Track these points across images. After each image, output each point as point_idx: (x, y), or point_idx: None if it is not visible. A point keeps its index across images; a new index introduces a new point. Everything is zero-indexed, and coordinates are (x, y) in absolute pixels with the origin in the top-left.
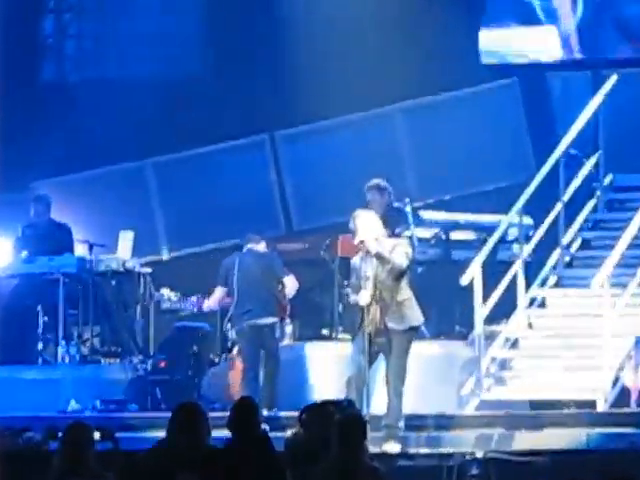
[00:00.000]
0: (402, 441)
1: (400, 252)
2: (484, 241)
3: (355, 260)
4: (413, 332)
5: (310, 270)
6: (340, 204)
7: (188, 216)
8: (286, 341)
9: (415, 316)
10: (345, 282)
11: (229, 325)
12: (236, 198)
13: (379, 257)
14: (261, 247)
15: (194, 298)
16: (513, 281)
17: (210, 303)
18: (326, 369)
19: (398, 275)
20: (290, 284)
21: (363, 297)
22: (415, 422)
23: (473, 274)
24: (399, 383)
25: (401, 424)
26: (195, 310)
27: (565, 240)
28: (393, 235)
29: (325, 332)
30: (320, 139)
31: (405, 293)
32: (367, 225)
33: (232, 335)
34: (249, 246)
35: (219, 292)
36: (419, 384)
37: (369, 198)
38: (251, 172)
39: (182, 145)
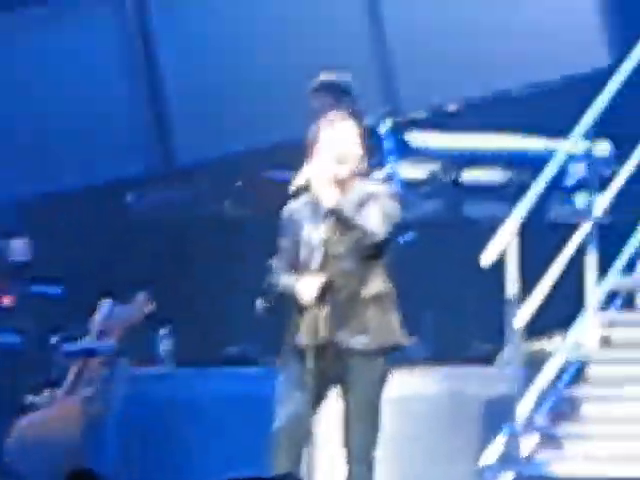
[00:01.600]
0: None
1: (378, 209)
2: (523, 186)
3: (293, 208)
4: (391, 354)
5: (205, 236)
6: (258, 118)
7: None
8: (159, 367)
9: (395, 327)
10: (270, 258)
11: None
12: (70, 107)
13: (340, 218)
14: None
15: None
16: (576, 261)
17: None
18: (234, 418)
19: (371, 250)
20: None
21: (308, 287)
22: None
23: (503, 248)
24: (368, 445)
25: None
26: None
27: None
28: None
29: (232, 351)
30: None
31: (379, 283)
32: (337, 146)
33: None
34: None
35: None
36: (405, 446)
37: (316, 107)
38: (97, 59)
39: None
